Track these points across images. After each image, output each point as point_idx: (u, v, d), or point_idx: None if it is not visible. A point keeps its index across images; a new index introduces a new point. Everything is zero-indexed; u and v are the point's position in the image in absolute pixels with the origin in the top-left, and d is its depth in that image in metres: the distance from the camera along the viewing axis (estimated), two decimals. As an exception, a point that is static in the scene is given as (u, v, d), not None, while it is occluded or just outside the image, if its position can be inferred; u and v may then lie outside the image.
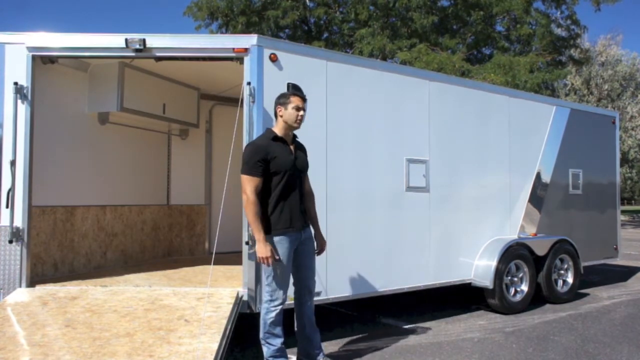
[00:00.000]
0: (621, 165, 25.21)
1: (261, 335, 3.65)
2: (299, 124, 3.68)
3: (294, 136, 3.81)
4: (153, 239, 6.25)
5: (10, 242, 4.06)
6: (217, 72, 5.57)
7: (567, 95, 31.18)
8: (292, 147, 3.72)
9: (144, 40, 4.16)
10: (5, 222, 4.07)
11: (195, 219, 6.74)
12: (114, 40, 4.23)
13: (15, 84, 4.13)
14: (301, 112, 3.66)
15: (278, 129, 3.69)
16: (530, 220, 6.38)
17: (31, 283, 4.21)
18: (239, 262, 4.30)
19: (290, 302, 3.83)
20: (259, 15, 16.96)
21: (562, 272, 6.50)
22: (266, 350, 3.65)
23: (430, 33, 16.43)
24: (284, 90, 3.85)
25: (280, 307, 3.60)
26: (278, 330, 3.63)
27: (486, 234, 5.90)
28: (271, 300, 3.60)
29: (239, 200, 4.08)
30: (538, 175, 6.51)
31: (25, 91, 4.16)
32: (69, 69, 4.96)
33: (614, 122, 7.67)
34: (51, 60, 4.58)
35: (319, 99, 4.56)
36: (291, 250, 3.64)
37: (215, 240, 3.95)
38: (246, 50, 4.20)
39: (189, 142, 6.71)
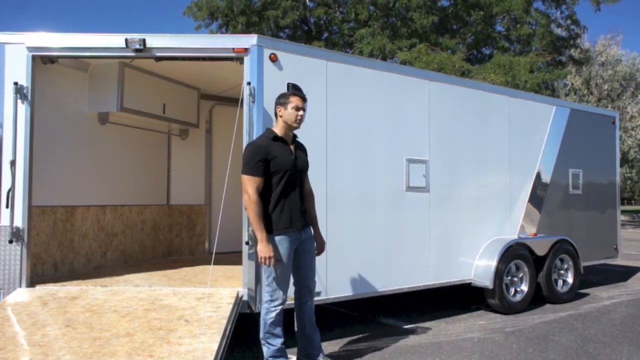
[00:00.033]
0: (621, 165, 25.21)
1: (261, 335, 3.65)
2: (299, 124, 3.68)
3: (294, 136, 3.81)
4: (153, 239, 6.25)
5: (10, 242, 4.07)
6: (217, 72, 5.57)
7: (567, 95, 31.18)
8: (292, 147, 3.72)
9: (144, 40, 4.16)
10: (5, 222, 4.08)
11: (195, 219, 6.74)
12: (114, 40, 4.23)
13: (15, 84, 4.13)
14: (300, 112, 3.66)
15: (278, 129, 3.69)
16: (530, 220, 6.38)
17: (31, 283, 4.21)
18: (239, 262, 4.30)
19: (290, 302, 3.83)
20: (259, 15, 16.96)
21: (562, 272, 6.50)
22: (266, 350, 3.65)
23: (430, 33, 16.43)
24: (284, 90, 3.85)
25: (280, 307, 3.60)
26: (278, 330, 3.63)
27: (486, 234, 5.90)
28: (271, 301, 3.60)
29: (239, 200, 4.09)
30: (538, 175, 6.51)
31: (25, 91, 4.16)
32: (69, 69, 4.96)
33: (614, 122, 7.67)
34: (51, 60, 4.58)
35: (319, 99, 4.56)
36: (291, 250, 3.64)
37: (215, 240, 3.95)
38: (246, 50, 4.20)
39: (189, 142, 6.71)
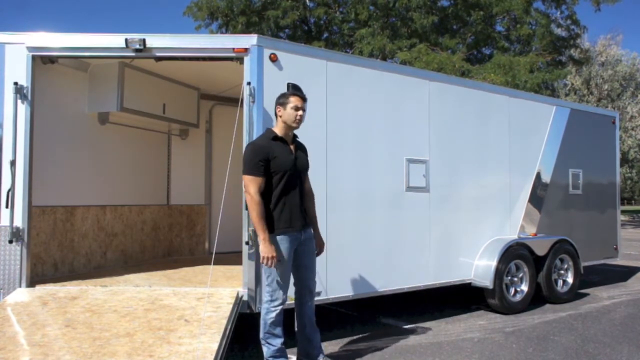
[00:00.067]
0: (621, 165, 25.21)
1: (261, 335, 3.65)
2: (298, 124, 3.68)
3: (295, 136, 3.81)
4: (153, 239, 6.25)
5: (10, 242, 4.06)
6: (217, 72, 5.57)
7: (567, 95, 31.18)
8: (292, 147, 3.72)
9: (144, 40, 4.16)
10: (5, 222, 4.07)
11: (195, 219, 6.74)
12: (114, 40, 4.23)
13: (15, 84, 4.13)
14: (300, 112, 3.66)
15: (278, 129, 3.70)
16: (530, 220, 6.38)
17: (31, 283, 4.21)
18: (239, 262, 4.30)
19: (290, 302, 3.83)
20: (259, 15, 16.96)
21: (562, 272, 6.50)
22: (266, 350, 3.65)
23: (430, 33, 16.43)
24: (284, 90, 3.85)
25: (280, 307, 3.60)
26: (278, 330, 3.63)
27: (486, 234, 5.90)
28: (271, 301, 3.60)
29: (239, 200, 4.09)
30: (538, 175, 6.51)
31: (25, 91, 4.16)
32: (69, 69, 4.96)
33: (614, 122, 7.67)
34: (51, 60, 4.58)
35: (319, 99, 4.56)
36: (291, 250, 3.64)
37: (215, 240, 3.95)
38: (246, 50, 4.20)
39: (189, 142, 6.71)
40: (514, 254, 5.85)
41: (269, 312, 3.60)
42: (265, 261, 3.49)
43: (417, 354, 4.35)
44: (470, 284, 5.71)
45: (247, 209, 3.99)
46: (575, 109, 7.15)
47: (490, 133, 6.02)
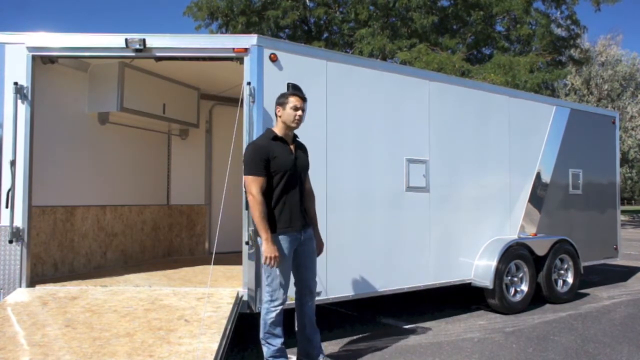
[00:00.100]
0: (621, 165, 25.21)
1: (261, 335, 3.65)
2: (297, 124, 3.68)
3: (295, 136, 3.81)
4: (153, 239, 6.25)
5: (10, 242, 4.06)
6: (217, 72, 5.57)
7: (567, 95, 31.18)
8: (292, 147, 3.72)
9: (144, 40, 4.16)
10: (5, 222, 4.07)
11: (195, 219, 6.74)
12: (114, 40, 4.23)
13: (15, 84, 4.13)
14: (299, 112, 3.65)
15: (278, 129, 3.70)
16: (530, 220, 6.38)
17: (31, 283, 4.21)
18: (239, 262, 4.30)
19: (290, 302, 3.83)
20: (259, 15, 16.96)
21: (562, 272, 6.50)
22: (266, 350, 3.65)
23: (430, 33, 16.43)
24: (284, 90, 3.85)
25: (280, 307, 3.60)
26: (278, 330, 3.63)
27: (486, 234, 5.90)
28: (271, 301, 3.60)
29: (239, 200, 4.09)
30: (538, 175, 6.51)
31: (25, 91, 4.16)
32: (69, 69, 4.96)
33: (614, 122, 7.67)
34: (51, 60, 4.58)
35: (319, 99, 4.56)
36: (291, 250, 3.64)
37: (215, 240, 3.95)
38: (246, 50, 4.20)
39: (189, 142, 6.71)
40: (514, 254, 5.85)
41: (269, 312, 3.60)
42: (268, 261, 3.48)
43: (417, 354, 4.35)
44: (470, 284, 5.71)
45: (247, 209, 3.99)
46: (575, 109, 7.15)
47: (490, 133, 6.02)
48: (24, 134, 4.15)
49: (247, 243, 4.05)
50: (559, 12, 18.42)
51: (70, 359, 3.07)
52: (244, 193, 4.00)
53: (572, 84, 31.68)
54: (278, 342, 3.63)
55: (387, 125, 5.09)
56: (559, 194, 6.76)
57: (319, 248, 3.94)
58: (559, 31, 18.92)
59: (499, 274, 5.61)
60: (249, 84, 4.15)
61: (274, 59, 4.28)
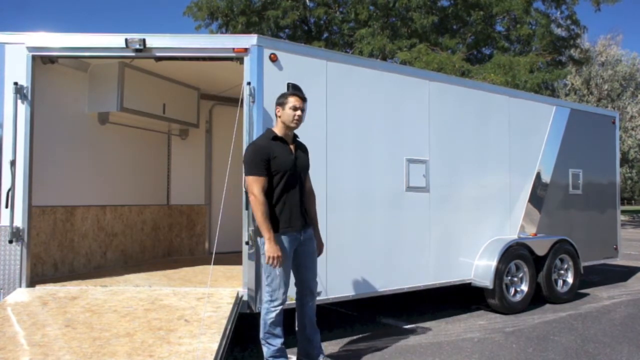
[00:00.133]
0: (621, 165, 25.21)
1: (261, 335, 3.65)
2: (296, 124, 3.68)
3: (295, 136, 3.81)
4: (153, 239, 6.25)
5: (10, 242, 4.06)
6: (217, 72, 5.57)
7: (567, 95, 31.17)
8: (292, 147, 3.72)
9: (144, 40, 4.16)
10: (5, 222, 4.07)
11: (195, 219, 6.74)
12: (114, 40, 4.23)
13: (15, 84, 4.13)
14: (298, 112, 3.65)
15: (278, 129, 3.70)
16: (530, 220, 6.38)
17: (31, 283, 4.21)
18: (239, 262, 4.30)
19: (290, 302, 3.83)
20: (259, 15, 16.96)
21: (562, 272, 6.50)
22: (266, 350, 3.65)
23: (430, 33, 16.43)
24: (284, 90, 3.85)
25: (280, 307, 3.60)
26: (278, 330, 3.63)
27: (486, 234, 5.90)
28: (271, 301, 3.60)
29: (239, 200, 4.09)
30: (538, 175, 6.51)
31: (25, 91, 4.16)
32: (69, 69, 4.96)
33: (614, 122, 7.67)
34: (51, 60, 4.58)
35: (319, 99, 4.56)
36: (291, 250, 3.64)
37: (215, 240, 3.95)
38: (246, 50, 4.20)
39: (189, 142, 6.71)
40: (514, 254, 5.85)
41: (268, 312, 3.60)
42: (270, 261, 3.48)
43: (417, 354, 4.35)
44: (470, 284, 5.71)
45: (247, 209, 3.99)
46: (575, 109, 7.15)
47: (490, 133, 6.02)
48: (24, 134, 4.15)
49: (247, 243, 4.05)
50: (559, 12, 18.44)
51: (70, 359, 3.07)
52: (244, 193, 4.01)
53: (572, 84, 31.68)
54: (278, 342, 3.63)
55: (387, 125, 5.09)
56: (559, 194, 6.76)
57: (319, 248, 3.94)
58: (559, 31, 18.92)
59: (499, 274, 5.61)
60: (249, 84, 4.15)
61: (274, 59, 4.28)
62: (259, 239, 3.70)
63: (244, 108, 4.14)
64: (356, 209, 4.82)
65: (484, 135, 5.95)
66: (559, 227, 6.65)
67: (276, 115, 3.72)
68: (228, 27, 17.22)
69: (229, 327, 3.61)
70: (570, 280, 6.52)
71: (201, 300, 3.95)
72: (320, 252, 3.96)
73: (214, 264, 4.07)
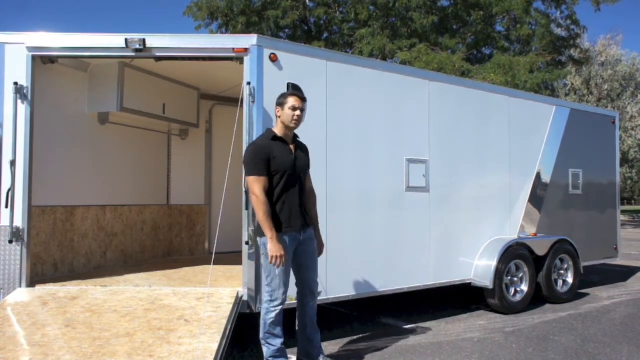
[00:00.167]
0: (621, 165, 25.20)
1: (261, 335, 3.65)
2: (295, 124, 3.67)
3: (295, 136, 3.80)
4: (153, 239, 6.25)
5: (10, 242, 4.06)
6: (217, 72, 5.57)
7: (567, 95, 31.18)
8: (292, 147, 3.72)
9: (144, 40, 4.16)
10: (5, 222, 4.07)
11: (195, 219, 6.74)
12: (114, 40, 4.23)
13: (15, 84, 4.13)
14: (297, 112, 3.65)
15: (278, 129, 3.70)
16: (530, 220, 6.38)
17: (31, 283, 4.21)
18: (239, 262, 4.30)
19: (290, 302, 3.83)
20: (259, 15, 16.96)
21: (562, 272, 6.50)
22: (266, 350, 3.65)
23: (430, 33, 16.43)
24: (284, 90, 3.85)
25: (280, 307, 3.60)
26: (278, 330, 3.63)
27: (486, 234, 5.90)
28: (271, 301, 3.60)
29: (239, 200, 4.09)
30: (538, 175, 6.51)
31: (25, 91, 4.16)
32: (69, 69, 4.96)
33: (614, 122, 7.67)
34: (51, 60, 4.58)
35: (319, 99, 4.56)
36: (291, 250, 3.64)
37: (215, 240, 3.95)
38: (246, 50, 4.20)
39: (189, 142, 6.71)
40: (514, 254, 5.85)
41: (268, 312, 3.60)
42: (273, 260, 3.47)
43: (417, 354, 4.35)
44: (470, 284, 5.71)
45: (247, 209, 4.00)
46: (575, 109, 7.15)
47: (490, 133, 6.02)
48: (24, 134, 4.15)
49: (247, 243, 4.05)
50: (559, 12, 18.44)
51: (70, 359, 3.07)
52: (244, 193, 4.01)
53: (572, 84, 31.68)
54: (278, 342, 3.63)
55: (387, 125, 5.09)
56: (559, 194, 6.76)
57: (320, 249, 3.94)
58: (559, 31, 18.92)
59: (499, 274, 5.61)
60: (249, 84, 4.15)
61: (274, 59, 4.28)
62: (258, 239, 3.70)
63: (244, 108, 4.14)
64: (356, 209, 4.82)
65: (484, 135, 5.95)
66: (559, 227, 6.65)
67: (276, 115, 3.72)
68: (228, 27, 17.22)
69: (229, 327, 3.61)
70: (570, 280, 6.52)
71: (201, 300, 3.95)
72: (320, 252, 3.95)
73: (214, 264, 4.06)
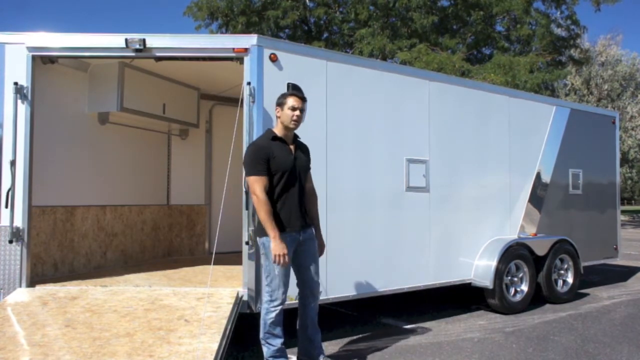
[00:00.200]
0: (621, 165, 25.20)
1: (261, 335, 3.65)
2: (295, 124, 3.67)
3: (296, 136, 3.80)
4: (153, 239, 6.25)
5: (10, 242, 4.06)
6: (217, 72, 5.57)
7: (567, 95, 31.17)
8: (292, 147, 3.72)
9: (144, 40, 4.16)
10: (5, 222, 4.07)
11: (195, 219, 6.74)
12: (114, 40, 4.23)
13: (15, 84, 4.13)
14: (296, 112, 3.64)
15: (278, 129, 3.70)
16: (530, 220, 6.38)
17: (31, 283, 4.21)
18: (239, 262, 4.30)
19: (290, 302, 3.83)
20: (259, 15, 16.96)
21: (562, 272, 6.50)
22: (266, 350, 3.65)
23: (430, 33, 16.43)
24: (284, 90, 3.85)
25: (279, 307, 3.60)
26: (278, 330, 3.63)
27: (486, 234, 5.90)
28: (271, 301, 3.60)
29: (239, 200, 4.09)
30: (538, 175, 6.51)
31: (25, 91, 4.16)
32: (69, 69, 4.96)
33: (614, 122, 7.67)
34: (51, 60, 4.58)
35: (319, 99, 4.56)
36: (290, 250, 3.63)
37: (215, 240, 3.95)
38: (246, 50, 4.20)
39: (189, 142, 6.71)
40: (514, 254, 5.85)
41: (268, 312, 3.60)
42: (276, 259, 3.47)
43: (417, 354, 4.35)
44: (470, 284, 5.71)
45: (247, 209, 4.00)
46: (575, 109, 7.15)
47: (490, 133, 6.02)
48: (24, 134, 4.15)
49: (247, 243, 4.05)
50: (559, 12, 18.44)
51: (70, 359, 3.07)
52: (244, 193, 4.01)
53: (572, 84, 31.68)
54: (278, 342, 3.63)
55: (387, 125, 5.09)
56: (559, 194, 6.76)
57: (320, 249, 3.94)
58: (559, 31, 18.93)
59: (499, 274, 5.61)
60: (249, 84, 4.15)
61: (274, 59, 4.28)
62: (258, 239, 3.70)
63: (244, 108, 4.14)
64: (356, 209, 4.82)
65: (484, 135, 5.95)
66: (559, 227, 6.65)
67: (276, 115, 3.72)
68: (228, 27, 17.23)
69: (229, 327, 3.61)
70: (570, 280, 6.52)
71: (201, 300, 3.95)
72: (321, 252, 3.95)
73: (214, 264, 4.06)
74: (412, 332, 5.04)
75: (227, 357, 3.91)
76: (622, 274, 8.87)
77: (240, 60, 4.26)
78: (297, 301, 3.88)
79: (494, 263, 5.61)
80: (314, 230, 3.85)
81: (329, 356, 4.02)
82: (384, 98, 5.08)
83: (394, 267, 5.04)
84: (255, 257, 4.05)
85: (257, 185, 3.50)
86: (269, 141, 3.63)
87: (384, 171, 5.05)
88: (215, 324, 3.54)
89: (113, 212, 5.60)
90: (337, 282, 4.58)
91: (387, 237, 5.02)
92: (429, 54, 14.58)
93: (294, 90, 3.77)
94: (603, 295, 6.91)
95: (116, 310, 3.77)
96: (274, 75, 4.26)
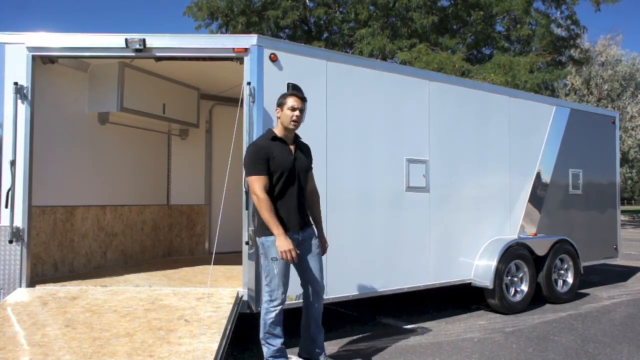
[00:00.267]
0: (621, 165, 25.21)
1: (261, 335, 3.65)
2: (294, 125, 3.66)
3: (296, 136, 3.80)
4: (153, 239, 6.25)
5: (10, 242, 4.06)
6: (217, 72, 5.57)
7: (567, 95, 31.17)
8: (292, 148, 3.72)
9: (144, 40, 4.16)
10: (5, 222, 4.07)
11: (195, 219, 6.74)
12: (114, 40, 4.23)
13: (15, 84, 4.13)
14: (296, 113, 3.64)
15: (278, 129, 3.70)
16: (530, 220, 6.38)
17: (31, 283, 4.21)
18: (239, 262, 4.30)
19: (290, 302, 3.82)
20: (259, 15, 16.97)
21: (562, 272, 6.50)
22: (266, 350, 3.65)
23: (430, 33, 16.44)
24: (284, 90, 3.85)
25: (279, 307, 3.60)
26: (278, 330, 3.63)
27: (486, 234, 5.90)
28: (270, 301, 3.60)
29: (239, 200, 4.09)
30: (538, 175, 6.51)
31: (25, 91, 4.16)
32: (69, 69, 4.96)
33: (614, 122, 7.67)
34: (51, 60, 4.58)
35: (319, 99, 4.56)
36: (292, 249, 3.63)
37: (215, 240, 3.95)
38: (246, 50, 4.20)
39: (189, 142, 6.71)
40: (514, 254, 5.85)
41: (268, 312, 3.60)
42: (284, 255, 3.45)
43: (417, 354, 4.35)
44: (470, 284, 5.71)
45: (247, 209, 3.99)
46: (575, 109, 7.15)
47: (490, 133, 6.02)
48: (24, 134, 4.15)
49: (247, 243, 4.05)
50: (559, 12, 18.44)
51: (70, 359, 3.07)
52: (244, 193, 4.01)
53: (572, 84, 31.68)
54: (278, 342, 3.63)
55: (387, 125, 5.09)
56: (559, 194, 6.76)
57: (323, 248, 3.93)
58: (559, 31, 18.92)
59: (499, 274, 5.61)
60: (249, 84, 4.15)
61: (274, 59, 4.28)
62: (258, 238, 3.70)
63: (244, 108, 4.14)
64: (356, 209, 4.82)
65: (484, 135, 5.95)
66: (559, 227, 6.65)
67: (276, 116, 3.72)
68: (228, 27, 17.23)
69: (229, 327, 3.61)
70: (570, 280, 6.52)
71: (201, 300, 3.95)
72: (324, 251, 3.95)
73: (214, 264, 4.06)
74: (412, 332, 5.04)
75: (227, 357, 3.92)
76: (622, 274, 8.87)
77: (240, 60, 4.26)
78: (297, 301, 3.88)
79: (494, 263, 5.61)
80: (314, 230, 3.84)
81: (329, 356, 4.02)
82: (384, 98, 5.08)
83: (394, 267, 5.04)
84: (255, 257, 4.05)
85: (257, 185, 3.50)
86: (269, 141, 3.63)
87: (384, 171, 5.05)
88: (215, 324, 3.54)
89: (113, 212, 5.60)
90: (337, 282, 4.58)
91: (387, 237, 5.02)
92: (429, 54, 14.58)
93: (294, 90, 3.77)
94: (603, 295, 6.91)
95: (116, 310, 3.77)
96: (274, 75, 4.26)
